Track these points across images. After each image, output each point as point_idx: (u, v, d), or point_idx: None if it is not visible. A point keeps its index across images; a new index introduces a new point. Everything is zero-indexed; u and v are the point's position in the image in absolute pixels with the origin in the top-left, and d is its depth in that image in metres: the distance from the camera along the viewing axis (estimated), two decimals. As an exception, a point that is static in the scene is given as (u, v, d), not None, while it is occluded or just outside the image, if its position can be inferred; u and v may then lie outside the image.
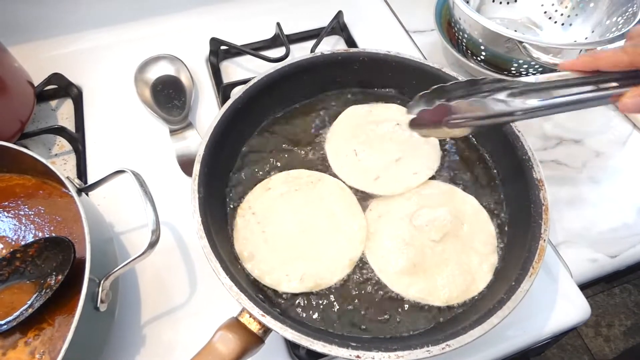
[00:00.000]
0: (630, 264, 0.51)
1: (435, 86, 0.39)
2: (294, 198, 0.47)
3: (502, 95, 0.37)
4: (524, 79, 0.37)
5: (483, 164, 0.50)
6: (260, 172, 0.49)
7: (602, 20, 0.60)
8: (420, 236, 0.44)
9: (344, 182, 0.48)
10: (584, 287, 0.49)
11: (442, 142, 0.51)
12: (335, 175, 0.49)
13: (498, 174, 0.49)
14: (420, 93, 0.40)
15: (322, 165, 0.50)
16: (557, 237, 0.51)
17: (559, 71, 0.37)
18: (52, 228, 0.44)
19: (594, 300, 1.33)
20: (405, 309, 0.42)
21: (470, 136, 0.52)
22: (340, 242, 0.44)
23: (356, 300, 0.42)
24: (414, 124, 0.41)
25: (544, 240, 0.40)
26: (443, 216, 0.45)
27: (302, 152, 0.51)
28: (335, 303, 0.42)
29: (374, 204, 0.47)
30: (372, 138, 0.51)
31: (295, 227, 0.45)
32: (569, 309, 0.46)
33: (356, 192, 0.48)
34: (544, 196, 0.42)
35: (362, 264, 0.44)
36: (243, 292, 0.37)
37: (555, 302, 0.46)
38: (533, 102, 0.36)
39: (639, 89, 0.33)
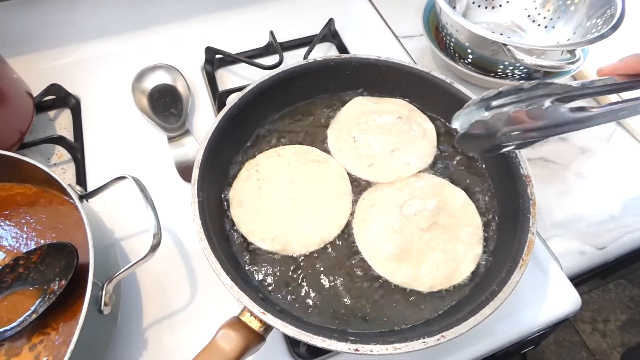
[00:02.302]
0: (618, 256, 0.53)
1: (479, 97, 0.36)
2: (297, 169, 0.50)
3: (561, 104, 0.34)
4: (571, 83, 0.35)
5: (473, 162, 0.52)
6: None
7: (582, 22, 0.62)
8: (409, 225, 0.46)
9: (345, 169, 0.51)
10: (579, 282, 0.51)
11: (437, 141, 0.53)
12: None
13: (487, 171, 0.51)
14: (466, 105, 0.36)
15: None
16: (546, 231, 0.53)
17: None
18: (53, 235, 0.45)
19: (590, 296, 1.34)
20: (400, 302, 0.43)
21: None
22: (320, 221, 0.47)
23: (351, 293, 0.43)
24: (464, 139, 0.36)
25: (533, 233, 0.41)
26: (431, 206, 0.47)
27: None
28: (332, 297, 0.43)
29: (368, 193, 0.49)
30: (372, 127, 0.53)
31: (288, 194, 0.49)
32: (559, 300, 0.47)
33: (352, 180, 0.50)
34: (532, 191, 0.44)
35: (353, 253, 0.46)
36: (244, 291, 0.38)
37: (546, 294, 0.47)
38: (596, 110, 0.34)
39: None
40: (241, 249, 0.46)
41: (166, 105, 0.60)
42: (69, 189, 0.42)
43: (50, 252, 0.43)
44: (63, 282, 0.41)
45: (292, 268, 0.45)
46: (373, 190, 0.50)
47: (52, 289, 0.41)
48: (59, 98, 0.62)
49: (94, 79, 0.65)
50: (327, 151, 0.53)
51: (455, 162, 0.52)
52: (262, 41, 0.69)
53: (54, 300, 0.40)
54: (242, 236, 0.46)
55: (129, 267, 0.39)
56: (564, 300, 0.48)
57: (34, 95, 0.58)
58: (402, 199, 0.48)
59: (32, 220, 0.46)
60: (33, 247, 0.44)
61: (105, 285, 0.38)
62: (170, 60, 0.64)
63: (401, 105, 0.55)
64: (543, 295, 0.47)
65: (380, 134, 0.53)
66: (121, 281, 0.41)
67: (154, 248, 0.39)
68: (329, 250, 0.46)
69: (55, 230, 0.45)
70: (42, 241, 0.45)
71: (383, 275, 0.44)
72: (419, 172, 0.51)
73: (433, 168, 0.51)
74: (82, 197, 0.43)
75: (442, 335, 0.35)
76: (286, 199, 0.48)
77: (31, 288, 0.42)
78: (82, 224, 0.40)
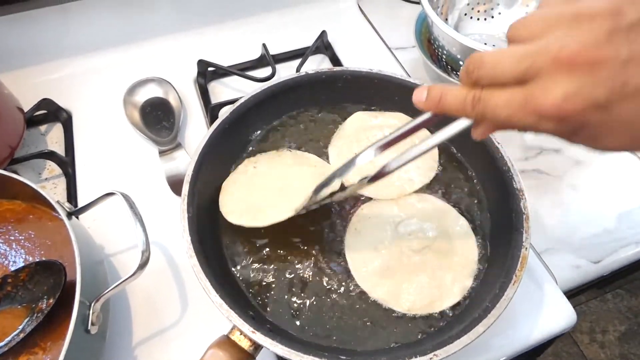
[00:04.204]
0: (613, 270, 0.52)
1: None
2: (294, 169, 0.50)
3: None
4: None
5: (466, 175, 0.52)
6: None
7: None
8: (401, 243, 0.46)
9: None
10: (575, 293, 0.50)
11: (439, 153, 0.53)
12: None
13: (481, 185, 0.51)
14: None
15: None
16: (540, 244, 0.52)
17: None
18: (42, 252, 0.45)
19: (588, 307, 1.34)
20: (384, 319, 0.42)
21: (455, 150, 0.53)
22: (290, 201, 0.45)
23: (334, 306, 0.43)
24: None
25: (526, 248, 0.41)
26: (428, 230, 0.46)
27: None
28: (320, 309, 0.43)
29: (367, 205, 0.49)
30: (372, 142, 0.52)
31: (279, 184, 0.48)
32: (554, 315, 0.47)
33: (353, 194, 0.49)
34: (525, 205, 0.44)
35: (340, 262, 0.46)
36: (233, 309, 0.37)
37: (541, 309, 0.47)
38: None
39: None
40: (233, 264, 0.45)
41: (158, 119, 0.60)
42: (57, 206, 0.41)
43: (39, 270, 0.42)
44: (51, 300, 0.40)
45: (283, 278, 0.44)
46: (373, 203, 0.49)
47: (40, 307, 0.40)
48: (51, 112, 0.61)
49: (86, 92, 0.65)
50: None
51: (452, 175, 0.51)
52: (255, 53, 0.69)
53: (41, 319, 0.39)
54: (234, 249, 0.46)
55: (116, 286, 0.38)
56: (559, 315, 0.47)
57: (25, 110, 0.58)
58: (401, 216, 0.48)
59: (21, 237, 0.45)
60: (21, 264, 0.44)
61: (92, 304, 0.38)
62: (163, 73, 0.64)
63: (402, 119, 0.55)
64: (538, 310, 0.47)
65: None
66: (110, 298, 0.40)
67: (142, 266, 0.39)
68: (320, 260, 0.46)
69: (44, 247, 0.45)
70: (31, 258, 0.44)
71: (363, 287, 0.44)
72: (424, 192, 0.50)
73: (434, 182, 0.51)
74: (70, 214, 0.42)
75: (434, 354, 0.35)
76: (275, 188, 0.48)
77: (19, 307, 0.41)
78: (70, 241, 0.39)
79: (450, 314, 0.42)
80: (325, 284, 0.44)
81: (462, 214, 0.48)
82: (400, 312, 0.42)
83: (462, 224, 0.47)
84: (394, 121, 0.55)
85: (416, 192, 0.50)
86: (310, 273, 0.45)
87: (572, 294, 0.49)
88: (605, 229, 0.54)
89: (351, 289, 0.44)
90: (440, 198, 0.50)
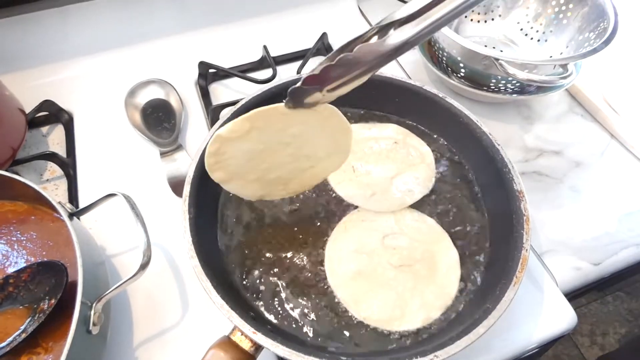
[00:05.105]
0: (613, 272, 0.52)
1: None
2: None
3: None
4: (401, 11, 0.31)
5: (466, 179, 0.52)
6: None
7: (574, 36, 0.63)
8: (382, 254, 0.46)
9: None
10: (577, 295, 0.50)
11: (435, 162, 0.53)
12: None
13: (480, 186, 0.51)
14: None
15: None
16: (541, 246, 0.52)
17: None
18: (44, 253, 0.45)
19: (588, 309, 1.33)
20: (353, 325, 0.42)
21: (455, 154, 0.54)
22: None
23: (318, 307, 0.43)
24: (292, 97, 0.35)
25: (526, 250, 0.41)
26: (414, 250, 0.46)
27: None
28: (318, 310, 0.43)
29: (365, 209, 0.49)
30: (370, 154, 0.53)
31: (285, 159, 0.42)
32: (555, 317, 0.47)
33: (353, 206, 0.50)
34: (525, 207, 0.44)
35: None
36: (234, 310, 0.37)
37: (542, 311, 0.47)
38: (408, 31, 0.30)
39: None
40: (234, 264, 0.45)
41: (159, 120, 0.60)
42: (58, 207, 0.41)
43: (41, 270, 0.42)
44: (53, 300, 0.40)
45: (280, 277, 0.44)
46: (372, 210, 0.49)
47: (42, 308, 0.40)
48: (52, 114, 0.61)
49: (87, 94, 0.65)
50: (327, 183, 0.51)
51: (449, 184, 0.52)
52: (256, 55, 0.69)
53: (43, 320, 0.39)
54: (236, 251, 0.46)
55: (118, 286, 0.38)
56: (559, 317, 0.47)
57: (27, 111, 0.58)
58: (391, 229, 0.47)
59: (22, 238, 0.46)
60: (23, 265, 0.44)
61: (94, 305, 0.38)
62: (164, 75, 0.64)
63: (396, 130, 0.55)
64: (538, 312, 0.47)
65: (378, 161, 0.52)
66: (111, 299, 0.40)
67: (144, 266, 0.39)
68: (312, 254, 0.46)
69: (45, 248, 0.45)
70: (32, 259, 0.44)
71: (329, 283, 0.44)
72: (424, 213, 0.49)
73: (434, 192, 0.51)
74: (72, 215, 0.42)
75: (435, 355, 0.35)
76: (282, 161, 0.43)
77: (21, 307, 0.41)
78: (72, 242, 0.39)
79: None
80: (311, 281, 0.45)
81: (457, 235, 0.47)
82: (356, 319, 0.42)
83: (452, 255, 0.46)
84: (389, 132, 0.55)
85: (418, 207, 0.49)
86: (309, 275, 0.45)
87: (573, 296, 0.49)
88: (605, 231, 0.54)
89: (321, 281, 0.45)
90: (439, 213, 0.49)
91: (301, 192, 0.48)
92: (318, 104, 0.37)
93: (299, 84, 0.33)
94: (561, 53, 0.65)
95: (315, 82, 0.33)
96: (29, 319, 0.40)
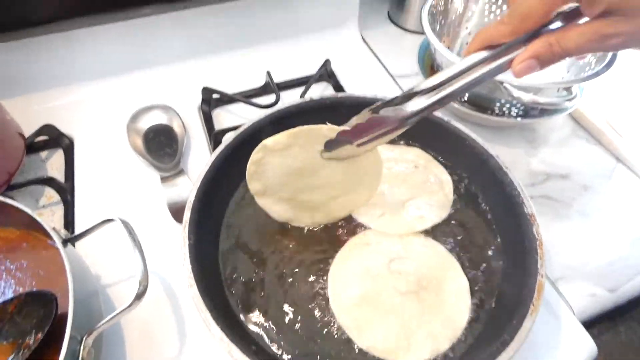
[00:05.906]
0: (630, 298, 0.50)
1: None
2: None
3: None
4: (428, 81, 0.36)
5: (477, 206, 0.50)
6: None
7: (574, 61, 0.63)
8: (388, 279, 0.44)
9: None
10: (588, 326, 0.48)
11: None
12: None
13: (491, 212, 0.49)
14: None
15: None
16: (554, 272, 0.50)
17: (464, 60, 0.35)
18: (34, 282, 0.42)
19: (601, 340, 1.28)
20: (354, 354, 0.40)
21: (463, 179, 0.52)
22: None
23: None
24: (327, 147, 0.41)
25: (542, 275, 0.39)
26: (422, 276, 0.44)
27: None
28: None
29: (372, 231, 0.48)
30: (386, 175, 0.51)
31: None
32: (574, 348, 0.45)
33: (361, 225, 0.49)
34: (537, 231, 0.42)
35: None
36: (235, 343, 0.35)
37: (559, 342, 0.45)
38: (420, 102, 0.36)
39: (524, 53, 0.32)
40: (235, 296, 0.43)
41: (161, 145, 0.60)
42: (52, 233, 0.40)
43: (29, 301, 0.40)
44: (39, 335, 0.37)
45: (284, 308, 0.42)
46: (379, 232, 0.48)
47: (28, 343, 0.38)
48: (52, 139, 0.61)
49: (89, 119, 0.65)
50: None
51: (460, 211, 0.50)
52: (259, 81, 0.69)
53: (27, 356, 0.37)
54: (237, 283, 0.44)
55: (111, 318, 0.36)
56: (579, 347, 0.45)
57: (26, 135, 0.57)
58: (398, 253, 0.46)
59: (12, 267, 0.43)
60: (11, 295, 0.41)
61: (84, 339, 0.35)
62: (167, 100, 0.64)
63: (419, 154, 0.54)
64: (556, 342, 0.44)
65: (394, 183, 0.51)
66: (104, 331, 0.38)
67: (140, 296, 0.37)
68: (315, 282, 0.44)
69: (36, 277, 0.43)
70: (21, 289, 0.42)
71: (332, 308, 0.42)
72: (434, 237, 0.47)
73: (444, 223, 0.49)
74: (66, 241, 0.40)
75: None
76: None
77: (5, 342, 0.39)
78: (65, 271, 0.37)
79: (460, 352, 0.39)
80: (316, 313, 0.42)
81: (466, 262, 0.45)
82: (358, 348, 0.40)
83: (462, 283, 0.44)
84: (410, 156, 0.54)
85: (426, 233, 0.48)
86: (314, 305, 0.43)
87: (587, 327, 0.47)
88: (619, 256, 0.52)
89: (326, 308, 0.43)
90: (449, 239, 0.47)
91: (324, 224, 0.48)
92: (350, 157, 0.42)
93: (333, 136, 0.40)
94: (562, 77, 0.65)
95: (347, 135, 0.40)
96: (12, 356, 0.37)
